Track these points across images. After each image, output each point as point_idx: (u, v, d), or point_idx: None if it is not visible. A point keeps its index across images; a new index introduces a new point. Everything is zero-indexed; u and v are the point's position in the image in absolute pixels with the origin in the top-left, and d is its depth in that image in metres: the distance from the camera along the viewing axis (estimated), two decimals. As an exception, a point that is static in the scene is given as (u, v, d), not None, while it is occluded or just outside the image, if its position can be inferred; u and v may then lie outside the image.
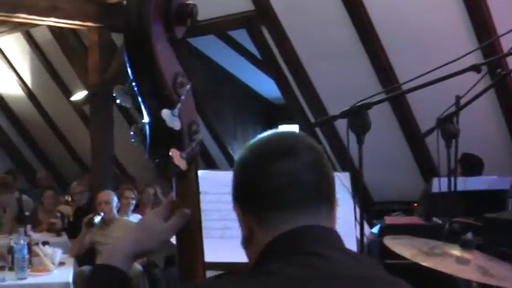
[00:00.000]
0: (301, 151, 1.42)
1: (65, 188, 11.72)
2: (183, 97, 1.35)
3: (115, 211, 7.59)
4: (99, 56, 8.79)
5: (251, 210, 1.44)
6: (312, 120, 8.07)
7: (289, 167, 1.40)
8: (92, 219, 7.32)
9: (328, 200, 1.45)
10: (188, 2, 1.36)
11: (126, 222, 7.72)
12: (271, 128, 9.98)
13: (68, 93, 10.97)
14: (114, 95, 1.35)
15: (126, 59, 1.33)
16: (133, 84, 1.34)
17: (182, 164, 1.38)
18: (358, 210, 2.89)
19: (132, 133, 1.39)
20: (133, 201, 8.38)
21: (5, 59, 12.12)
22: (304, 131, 8.35)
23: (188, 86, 1.37)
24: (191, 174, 1.44)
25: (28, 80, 12.12)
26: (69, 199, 9.94)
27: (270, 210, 1.41)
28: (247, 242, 1.46)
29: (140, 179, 10.88)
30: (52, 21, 8.65)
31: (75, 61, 9.66)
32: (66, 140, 12.67)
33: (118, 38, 9.06)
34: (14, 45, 11.66)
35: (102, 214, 7.36)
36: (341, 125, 3.77)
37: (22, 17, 8.46)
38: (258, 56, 8.40)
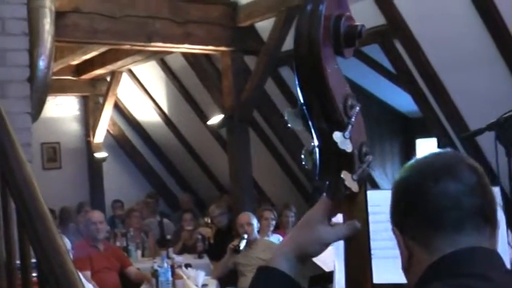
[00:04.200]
0: (465, 173, 1.41)
1: (203, 210, 11.93)
2: (353, 119, 1.35)
3: (256, 232, 7.64)
4: (233, 79, 8.92)
5: (411, 232, 1.44)
6: (451, 132, 7.90)
7: (452, 188, 1.39)
8: (238, 246, 7.34)
9: (490, 223, 1.43)
10: (356, 23, 1.35)
11: (267, 242, 7.76)
12: (408, 142, 9.85)
13: (204, 117, 11.16)
14: (285, 118, 1.36)
15: (296, 82, 1.34)
16: (304, 107, 1.35)
17: (354, 186, 1.38)
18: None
19: (302, 156, 1.39)
20: (273, 222, 8.41)
21: (141, 86, 12.48)
22: (443, 144, 8.23)
23: (358, 108, 1.36)
24: (361, 195, 1.43)
25: (164, 106, 12.43)
26: (209, 221, 10.10)
27: (431, 232, 1.40)
28: (407, 264, 1.46)
29: (278, 199, 10.95)
30: (186, 47, 8.88)
31: (209, 85, 9.86)
32: (203, 163, 12.90)
33: (251, 61, 9.18)
34: (150, 73, 12.00)
35: (245, 237, 7.38)
36: (482, 136, 3.66)
37: (157, 46, 8.73)
38: (392, 70, 8.31)
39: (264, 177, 11.28)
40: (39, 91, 5.05)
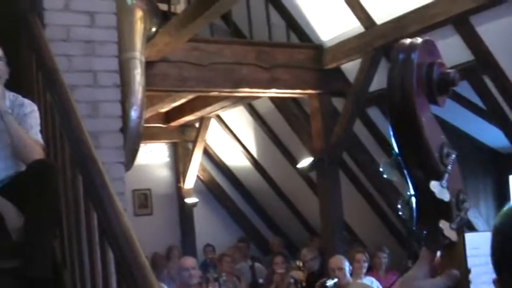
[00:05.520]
0: None
1: (294, 253, 11.88)
2: (449, 167, 1.33)
3: (348, 275, 7.55)
4: (321, 121, 8.95)
5: (502, 279, 1.39)
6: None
7: None
8: (325, 282, 7.31)
9: None
10: (449, 70, 1.34)
11: (360, 285, 7.68)
12: (501, 179, 9.61)
13: (293, 160, 11.18)
14: (380, 169, 1.36)
15: (391, 132, 1.33)
16: (399, 157, 1.34)
17: (452, 235, 1.35)
18: None
19: (399, 206, 1.38)
20: (366, 264, 8.31)
21: (229, 131, 12.61)
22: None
23: (454, 156, 1.35)
24: (459, 244, 1.40)
25: (253, 151, 12.50)
26: (301, 264, 10.04)
27: None
28: None
29: (370, 241, 10.83)
30: (273, 92, 8.95)
31: (298, 128, 9.90)
32: (293, 206, 12.87)
33: (338, 103, 9.18)
34: (238, 118, 12.12)
35: (335, 279, 7.33)
36: None
37: (245, 92, 8.83)
38: (482, 105, 8.18)
39: (355, 219, 11.18)
40: (132, 141, 5.16)
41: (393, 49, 1.35)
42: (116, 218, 2.81)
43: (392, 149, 1.35)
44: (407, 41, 1.33)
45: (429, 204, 1.34)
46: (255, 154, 12.55)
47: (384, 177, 1.37)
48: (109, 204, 2.89)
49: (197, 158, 12.61)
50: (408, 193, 1.38)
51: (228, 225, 13.81)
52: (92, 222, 3.11)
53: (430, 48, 1.36)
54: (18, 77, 4.33)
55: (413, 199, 1.37)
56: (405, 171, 1.35)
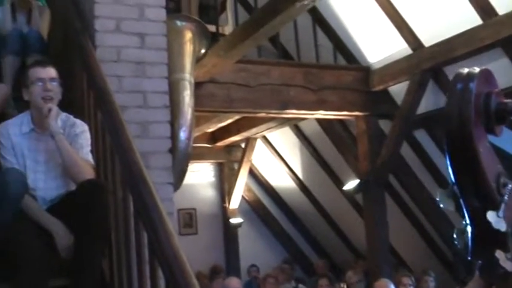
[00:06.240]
0: None
1: (338, 275, 11.80)
2: (506, 197, 1.32)
3: (393, 298, 7.49)
4: (368, 144, 8.91)
5: None
6: None
7: None
8: None
9: None
10: (506, 100, 1.34)
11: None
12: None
13: (339, 182, 11.14)
14: (437, 199, 1.35)
15: (448, 162, 1.33)
16: (456, 186, 1.33)
17: (508, 265, 1.34)
18: None
19: (454, 236, 1.38)
20: (412, 288, 8.23)
21: (275, 152, 12.61)
22: None
23: (510, 186, 1.34)
24: (514, 274, 1.39)
25: (299, 172, 12.49)
26: (345, 287, 9.97)
27: None
28: None
29: (416, 265, 10.71)
30: (320, 114, 8.93)
31: (344, 150, 9.86)
32: (338, 228, 12.80)
33: (385, 125, 9.13)
34: (283, 138, 12.12)
35: (381, 304, 7.27)
36: None
37: (292, 113, 8.82)
38: (531, 130, 8.07)
39: (401, 242, 11.08)
40: (180, 161, 5.19)
41: (451, 79, 1.35)
42: (167, 238, 2.82)
43: (449, 178, 1.35)
44: (465, 70, 1.33)
45: (485, 234, 1.33)
46: (300, 175, 12.53)
47: (440, 207, 1.37)
48: (160, 224, 2.90)
49: (242, 178, 12.62)
50: (464, 222, 1.37)
51: (273, 246, 13.77)
52: (142, 243, 3.13)
53: (487, 77, 1.35)
54: (70, 97, 4.37)
55: (469, 228, 1.36)
56: (461, 201, 1.34)
